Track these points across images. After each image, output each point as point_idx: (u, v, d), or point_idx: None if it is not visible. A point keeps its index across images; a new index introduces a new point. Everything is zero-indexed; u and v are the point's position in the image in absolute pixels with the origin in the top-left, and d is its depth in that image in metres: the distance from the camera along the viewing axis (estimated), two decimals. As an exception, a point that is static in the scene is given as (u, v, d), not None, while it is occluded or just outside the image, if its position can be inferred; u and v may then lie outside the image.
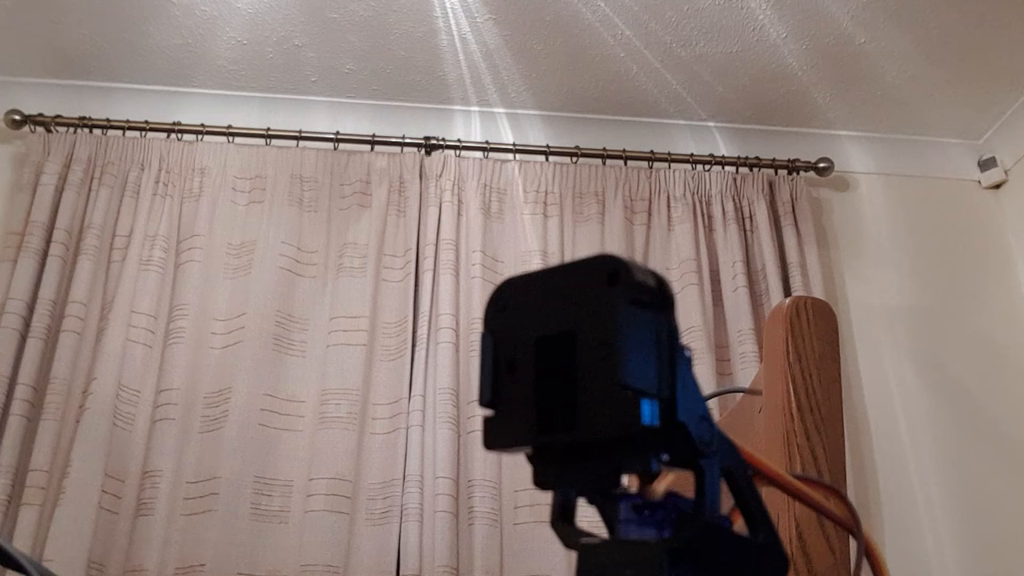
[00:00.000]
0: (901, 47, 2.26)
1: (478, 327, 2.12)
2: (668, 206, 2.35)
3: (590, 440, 0.32)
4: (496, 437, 0.34)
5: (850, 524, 0.39)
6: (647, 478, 0.34)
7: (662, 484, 0.35)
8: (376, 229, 2.22)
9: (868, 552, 0.39)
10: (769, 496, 0.40)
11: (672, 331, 0.33)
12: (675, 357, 0.32)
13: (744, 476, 0.35)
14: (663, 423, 0.32)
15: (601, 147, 2.40)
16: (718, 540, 0.33)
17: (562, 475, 0.34)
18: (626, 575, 0.33)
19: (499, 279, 2.22)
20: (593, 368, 0.32)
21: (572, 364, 0.32)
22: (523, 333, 0.34)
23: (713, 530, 0.33)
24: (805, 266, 2.30)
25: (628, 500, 0.35)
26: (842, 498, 0.39)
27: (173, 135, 2.31)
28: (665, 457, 0.32)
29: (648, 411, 0.31)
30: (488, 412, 0.34)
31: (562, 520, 0.35)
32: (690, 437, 0.32)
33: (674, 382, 0.32)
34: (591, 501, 0.35)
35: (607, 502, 0.35)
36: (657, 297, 0.32)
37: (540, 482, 0.34)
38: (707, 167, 2.41)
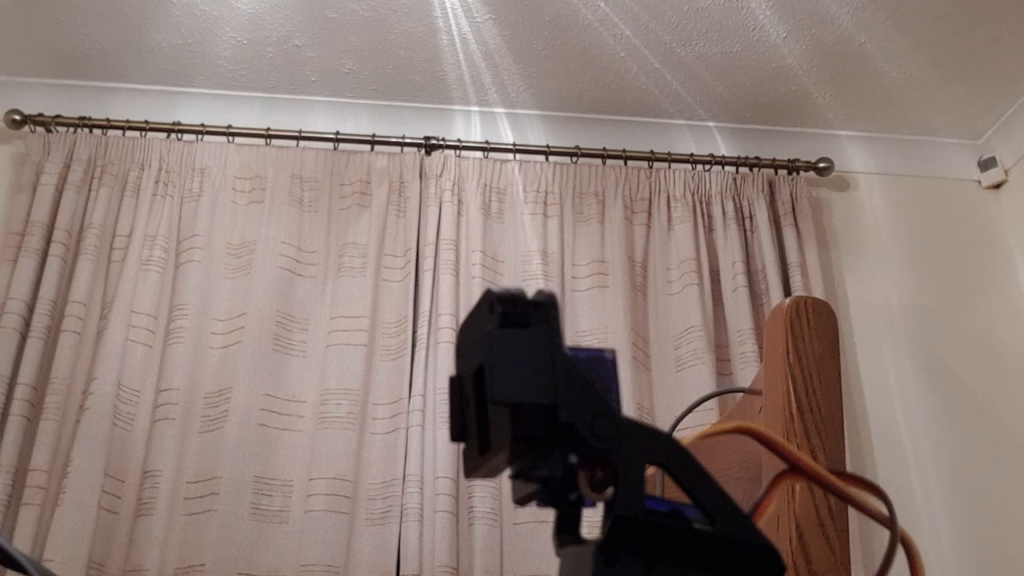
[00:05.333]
0: (901, 47, 2.26)
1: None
2: (668, 206, 2.35)
3: (506, 456, 0.35)
4: (467, 467, 0.37)
5: (886, 520, 0.39)
6: (592, 483, 0.35)
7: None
8: (376, 229, 2.22)
9: (906, 549, 0.39)
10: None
11: (548, 343, 0.35)
12: (556, 365, 0.35)
13: (684, 467, 0.35)
14: (549, 427, 0.34)
15: (601, 147, 2.40)
16: (669, 536, 0.34)
17: (522, 491, 0.36)
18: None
19: (499, 279, 2.23)
20: (487, 391, 0.35)
21: (482, 398, 0.36)
22: (467, 371, 0.38)
23: (641, 525, 0.34)
24: (805, 266, 2.30)
25: (586, 505, 0.36)
26: (880, 494, 0.39)
27: (173, 135, 2.31)
28: (573, 458, 0.34)
29: (521, 421, 0.34)
30: (462, 445, 0.38)
31: (560, 530, 0.37)
32: (580, 436, 0.34)
33: (556, 386, 0.34)
34: (559, 510, 0.36)
35: (570, 508, 0.37)
36: (530, 314, 0.36)
37: (514, 499, 0.37)
38: (707, 167, 2.41)
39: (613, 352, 0.37)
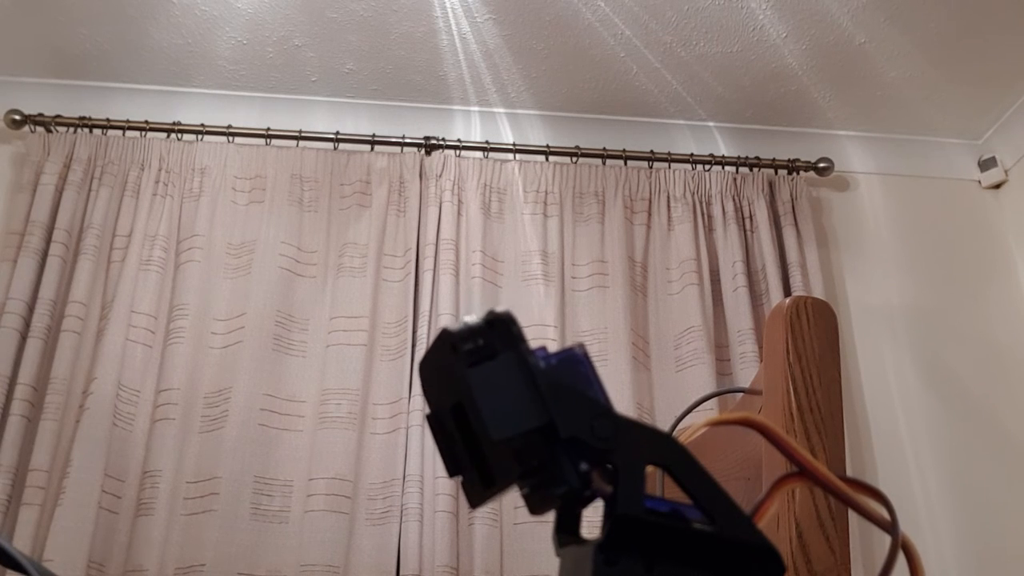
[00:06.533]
0: (901, 47, 2.26)
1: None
2: (668, 206, 2.35)
3: (514, 485, 0.35)
4: (471, 498, 0.37)
5: (888, 525, 0.39)
6: (604, 476, 0.36)
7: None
8: (376, 229, 2.22)
9: (907, 555, 0.39)
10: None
11: (522, 364, 0.35)
12: (537, 383, 0.34)
13: (684, 467, 0.35)
14: (551, 445, 0.34)
15: (601, 147, 2.40)
16: (669, 536, 0.34)
17: (539, 504, 0.36)
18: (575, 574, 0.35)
19: (499, 279, 2.23)
20: (478, 430, 0.34)
21: (469, 433, 0.36)
22: (442, 407, 0.37)
23: (641, 525, 0.34)
24: (805, 266, 2.29)
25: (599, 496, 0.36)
26: (882, 499, 0.39)
27: (173, 135, 2.31)
28: (584, 466, 0.34)
29: (525, 452, 0.34)
30: (460, 478, 0.38)
31: (560, 530, 0.37)
32: (584, 443, 0.34)
33: (546, 405, 0.34)
34: (578, 509, 0.37)
35: (587, 503, 0.37)
36: (495, 342, 0.35)
37: (532, 512, 0.37)
38: (707, 167, 2.41)
39: (582, 346, 0.37)
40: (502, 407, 0.34)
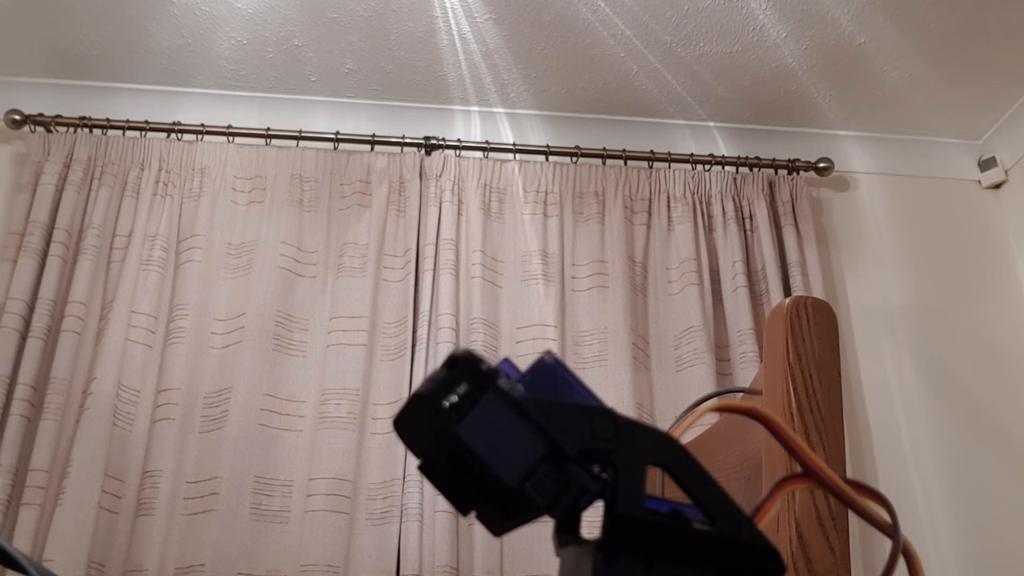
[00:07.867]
0: (901, 47, 2.26)
1: (478, 327, 2.12)
2: (668, 206, 2.35)
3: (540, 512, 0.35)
4: (492, 528, 0.37)
5: (889, 528, 0.39)
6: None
7: None
8: (376, 229, 2.22)
9: (907, 559, 0.39)
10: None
11: (506, 400, 0.34)
12: (526, 411, 0.34)
13: (684, 467, 0.35)
14: (563, 464, 0.34)
15: (601, 147, 2.40)
16: (669, 536, 0.34)
17: (560, 510, 0.36)
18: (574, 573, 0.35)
19: (499, 279, 2.23)
20: (486, 479, 0.34)
21: (473, 475, 0.35)
22: (431, 453, 0.36)
23: (641, 524, 0.34)
24: (805, 266, 2.29)
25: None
26: (883, 502, 0.39)
27: (173, 135, 2.31)
28: (596, 469, 0.34)
29: (542, 484, 0.34)
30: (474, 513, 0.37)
31: (560, 530, 0.37)
32: (591, 451, 0.34)
33: (542, 429, 0.34)
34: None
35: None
36: (470, 389, 0.34)
37: (551, 517, 0.37)
38: (707, 167, 2.41)
39: (549, 352, 0.37)
40: (504, 451, 0.34)
